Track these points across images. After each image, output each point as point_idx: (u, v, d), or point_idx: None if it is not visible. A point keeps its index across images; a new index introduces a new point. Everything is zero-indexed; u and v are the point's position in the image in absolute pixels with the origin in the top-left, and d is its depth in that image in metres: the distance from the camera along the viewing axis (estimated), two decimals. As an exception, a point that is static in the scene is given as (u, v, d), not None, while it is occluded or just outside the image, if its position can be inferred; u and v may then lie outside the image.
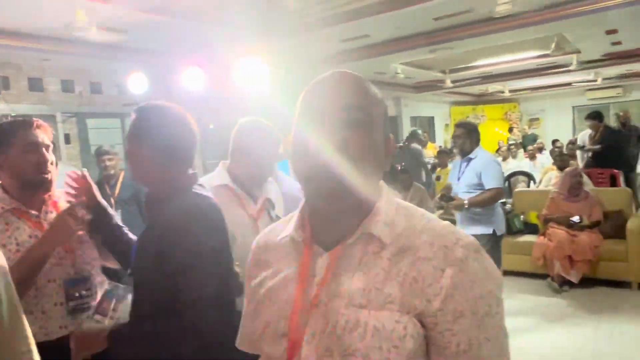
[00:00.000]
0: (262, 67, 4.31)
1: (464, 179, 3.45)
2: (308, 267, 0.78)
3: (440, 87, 11.04)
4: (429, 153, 8.54)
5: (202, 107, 6.39)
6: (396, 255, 0.73)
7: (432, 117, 14.99)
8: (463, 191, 3.43)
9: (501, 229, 3.49)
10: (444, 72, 9.70)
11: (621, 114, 6.66)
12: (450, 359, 0.70)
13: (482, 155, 3.50)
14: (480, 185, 3.36)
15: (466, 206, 3.31)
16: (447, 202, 3.38)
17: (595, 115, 7.26)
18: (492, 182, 3.32)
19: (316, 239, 0.80)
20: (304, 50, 6.21)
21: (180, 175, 1.33)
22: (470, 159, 3.45)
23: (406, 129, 11.65)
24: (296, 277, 0.79)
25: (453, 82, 10.22)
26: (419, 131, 8.01)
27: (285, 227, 0.86)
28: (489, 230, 3.37)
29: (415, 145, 7.32)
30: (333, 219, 0.77)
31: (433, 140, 12.95)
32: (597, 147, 6.66)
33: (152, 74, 4.83)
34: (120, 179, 3.77)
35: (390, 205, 0.79)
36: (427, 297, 0.69)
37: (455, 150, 3.57)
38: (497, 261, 3.49)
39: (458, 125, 3.59)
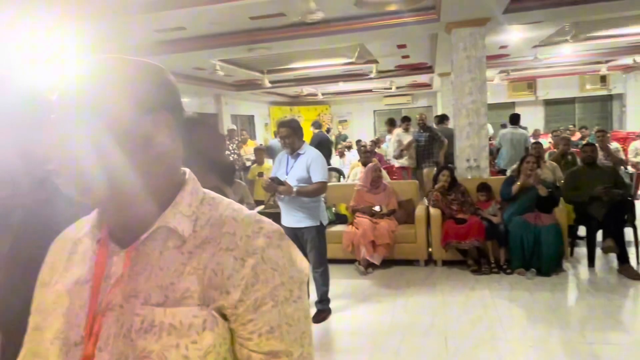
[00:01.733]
0: (66, 48, 3.76)
1: (293, 173, 3.61)
2: (103, 267, 0.72)
3: (259, 87, 11.31)
4: (250, 150, 8.68)
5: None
6: (198, 248, 0.70)
7: (253, 116, 15.27)
8: (292, 184, 3.57)
9: (326, 220, 3.78)
10: (262, 72, 9.95)
11: (417, 116, 7.75)
12: (253, 349, 0.69)
13: (310, 151, 3.71)
14: (310, 180, 3.58)
15: (293, 194, 3.48)
16: (277, 184, 3.49)
17: (314, 124, 8.73)
18: (319, 177, 3.57)
19: (113, 237, 0.74)
20: (118, 38, 5.67)
21: None
22: (299, 154, 3.63)
23: (227, 126, 11.61)
24: (91, 280, 0.72)
25: (271, 82, 10.56)
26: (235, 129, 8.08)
27: (82, 226, 0.79)
28: (317, 222, 3.63)
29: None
30: (126, 215, 0.72)
31: (253, 137, 13.18)
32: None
33: None
34: None
35: (195, 196, 0.75)
36: (226, 289, 0.67)
37: (286, 150, 3.66)
38: (325, 248, 3.78)
39: (282, 125, 3.66)
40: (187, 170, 0.79)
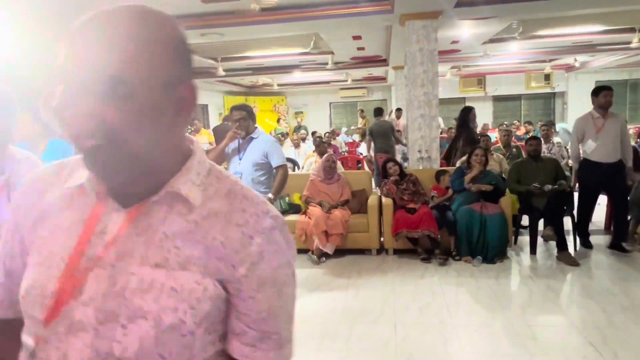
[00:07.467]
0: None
1: (247, 157, 3.58)
2: (96, 222, 0.69)
3: (213, 75, 11.03)
4: (203, 139, 8.49)
5: None
6: (206, 219, 0.69)
7: (206, 105, 14.94)
8: (248, 170, 3.54)
9: (278, 209, 3.78)
10: (216, 59, 9.70)
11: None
12: (250, 325, 0.70)
13: (264, 135, 3.69)
14: (266, 164, 3.58)
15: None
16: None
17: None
18: (279, 160, 3.60)
19: (112, 192, 0.70)
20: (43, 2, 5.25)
21: None
22: (253, 138, 3.62)
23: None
24: (79, 232, 0.68)
25: (225, 70, 10.33)
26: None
27: (72, 172, 0.74)
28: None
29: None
30: (132, 176, 0.67)
31: (207, 127, 12.90)
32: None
33: None
34: None
35: (203, 166, 0.74)
36: (232, 263, 0.67)
37: (240, 133, 3.61)
38: None
39: (237, 109, 3.66)
40: (195, 139, 0.77)
